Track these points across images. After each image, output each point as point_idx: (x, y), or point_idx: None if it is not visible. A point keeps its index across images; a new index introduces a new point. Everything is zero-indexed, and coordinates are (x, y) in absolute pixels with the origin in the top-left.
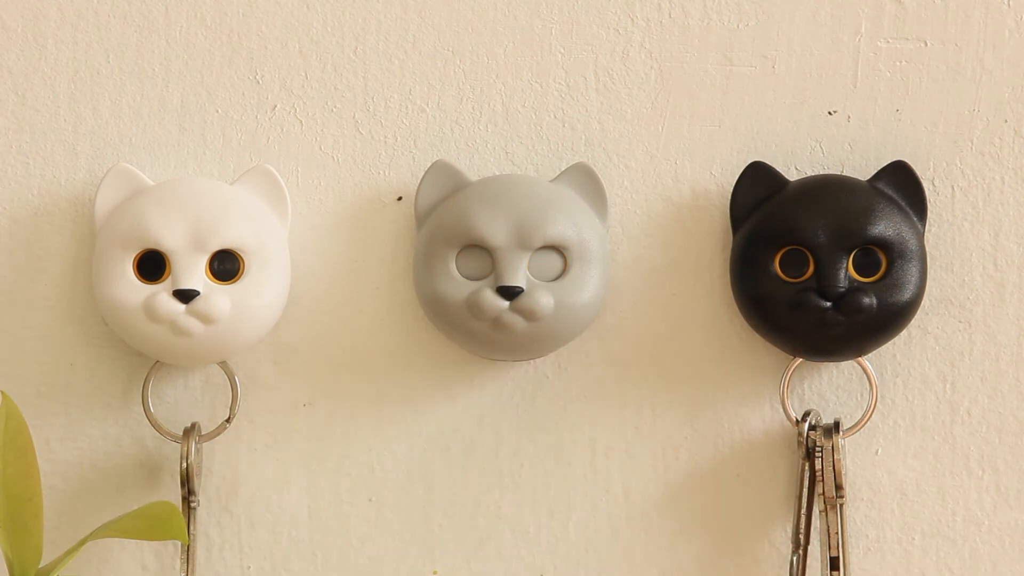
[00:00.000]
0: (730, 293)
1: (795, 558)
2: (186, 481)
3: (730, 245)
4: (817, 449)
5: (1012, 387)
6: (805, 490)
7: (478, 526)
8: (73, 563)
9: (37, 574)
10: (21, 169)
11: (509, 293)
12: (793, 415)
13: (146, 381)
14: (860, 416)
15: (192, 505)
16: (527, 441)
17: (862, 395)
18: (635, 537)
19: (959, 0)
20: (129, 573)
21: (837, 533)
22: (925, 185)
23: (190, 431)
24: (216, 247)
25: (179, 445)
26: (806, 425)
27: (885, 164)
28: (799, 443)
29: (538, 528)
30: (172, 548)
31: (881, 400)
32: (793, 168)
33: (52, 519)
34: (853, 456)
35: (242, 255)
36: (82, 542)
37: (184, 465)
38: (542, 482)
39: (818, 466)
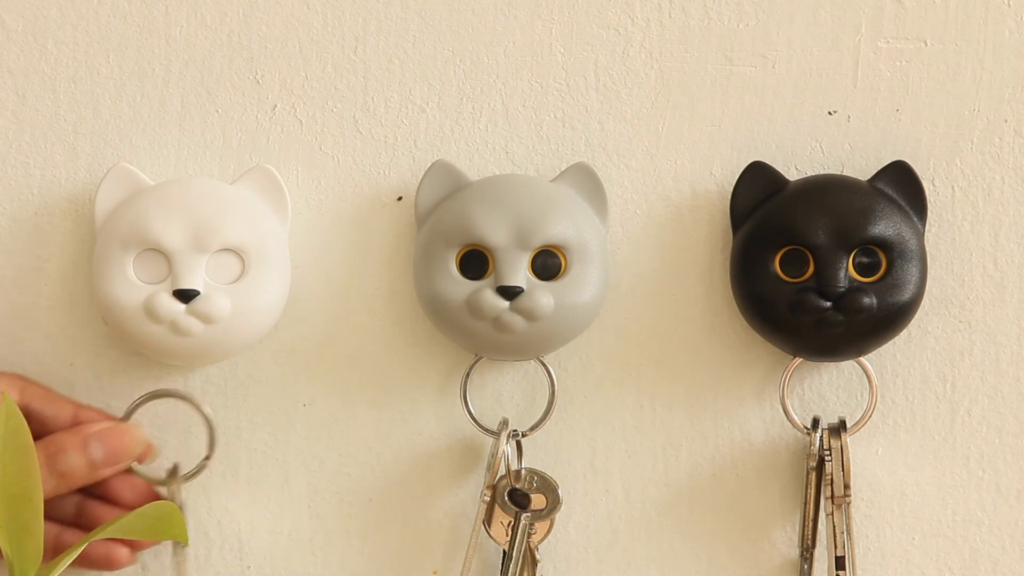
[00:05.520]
0: (730, 293)
1: (805, 565)
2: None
3: (730, 245)
4: (827, 452)
5: (1012, 387)
6: (812, 494)
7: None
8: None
9: (37, 574)
10: (21, 169)
11: (509, 293)
12: (794, 416)
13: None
14: (860, 416)
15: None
16: (527, 441)
17: (862, 395)
18: (635, 537)
19: (959, 0)
20: (129, 573)
21: (843, 532)
22: (925, 185)
23: (172, 473)
24: (216, 247)
25: (178, 445)
26: (817, 435)
27: (885, 164)
28: (810, 454)
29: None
30: (172, 548)
31: (881, 400)
32: (793, 168)
33: None
34: (853, 456)
35: (242, 255)
36: (82, 541)
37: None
38: None
39: (827, 469)
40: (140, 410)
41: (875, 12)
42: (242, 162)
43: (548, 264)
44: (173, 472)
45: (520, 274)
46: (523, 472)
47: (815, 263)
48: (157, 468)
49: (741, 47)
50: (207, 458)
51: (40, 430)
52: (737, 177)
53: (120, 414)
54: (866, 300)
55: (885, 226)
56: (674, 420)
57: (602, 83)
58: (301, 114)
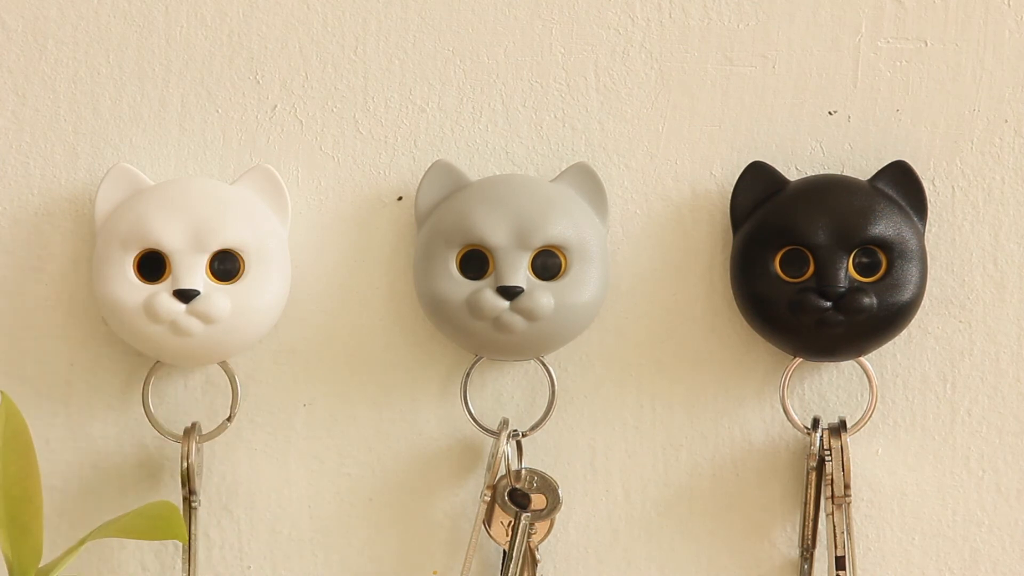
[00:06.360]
0: (730, 293)
1: (805, 565)
2: (187, 481)
3: (730, 245)
4: (827, 452)
5: (1012, 387)
6: (812, 495)
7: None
8: (73, 563)
9: (37, 574)
10: (21, 169)
11: (509, 293)
12: (794, 416)
13: (146, 381)
14: (860, 416)
15: (193, 505)
16: (527, 441)
17: (862, 395)
18: (635, 537)
19: (959, 0)
20: (129, 573)
21: (843, 532)
22: (925, 185)
23: (190, 431)
24: (216, 247)
25: (179, 445)
26: (817, 435)
27: (885, 164)
28: (810, 454)
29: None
30: (172, 548)
31: (881, 400)
32: (793, 168)
33: (52, 519)
34: (853, 456)
35: (242, 255)
36: (82, 541)
37: (185, 465)
38: None
39: (827, 469)
40: (160, 373)
41: (875, 12)
42: (242, 162)
43: (548, 264)
44: (191, 430)
45: (520, 274)
46: (523, 472)
47: (815, 263)
48: (175, 425)
49: (741, 47)
50: (228, 419)
51: None
52: (737, 177)
53: (119, 413)
54: (866, 300)
55: (885, 226)
56: (674, 420)
57: (602, 83)
58: (301, 114)
